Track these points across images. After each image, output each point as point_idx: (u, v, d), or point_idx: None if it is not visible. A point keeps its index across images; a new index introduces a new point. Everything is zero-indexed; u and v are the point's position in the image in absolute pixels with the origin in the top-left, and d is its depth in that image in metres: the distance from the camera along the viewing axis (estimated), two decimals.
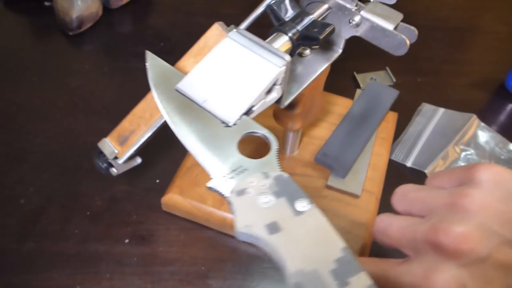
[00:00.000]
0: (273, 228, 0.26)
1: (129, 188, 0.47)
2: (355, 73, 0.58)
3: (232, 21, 0.37)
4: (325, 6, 0.37)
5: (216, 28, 0.36)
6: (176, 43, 0.63)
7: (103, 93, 0.57)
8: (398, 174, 0.49)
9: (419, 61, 0.63)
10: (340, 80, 0.53)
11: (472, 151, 0.52)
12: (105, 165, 0.39)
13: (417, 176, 0.50)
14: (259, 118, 0.32)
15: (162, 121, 0.37)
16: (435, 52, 0.65)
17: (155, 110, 0.37)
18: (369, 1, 0.36)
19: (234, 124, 0.31)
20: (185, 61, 0.37)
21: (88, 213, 0.46)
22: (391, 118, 0.53)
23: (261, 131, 0.31)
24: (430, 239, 0.26)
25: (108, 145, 0.38)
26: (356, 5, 0.36)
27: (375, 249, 0.43)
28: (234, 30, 0.34)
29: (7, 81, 0.57)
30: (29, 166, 0.49)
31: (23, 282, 0.41)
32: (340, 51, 0.40)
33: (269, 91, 0.33)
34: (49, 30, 0.63)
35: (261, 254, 0.43)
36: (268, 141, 0.30)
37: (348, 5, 0.36)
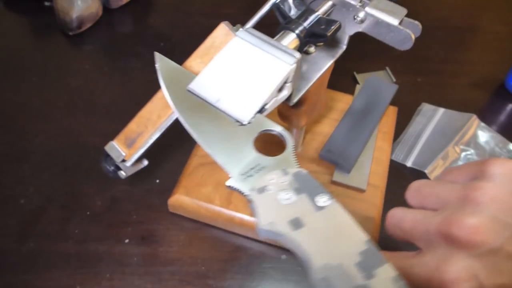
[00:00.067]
0: (296, 224, 0.26)
1: (129, 188, 0.47)
2: (355, 73, 0.58)
3: (232, 21, 0.37)
4: (330, 3, 0.37)
5: (223, 28, 0.36)
6: (176, 43, 0.63)
7: (103, 93, 0.57)
8: (398, 174, 0.49)
9: (419, 61, 0.63)
10: (340, 80, 0.53)
11: (472, 151, 0.52)
12: (112, 168, 0.39)
13: (417, 176, 0.50)
14: None
15: (170, 122, 0.37)
16: (435, 52, 0.65)
17: (162, 111, 0.37)
18: None
19: (249, 123, 0.31)
20: (192, 61, 0.37)
21: (88, 213, 0.46)
22: (391, 113, 0.54)
23: (276, 128, 0.31)
24: (442, 231, 0.27)
25: (115, 148, 0.39)
26: (360, 1, 0.36)
27: (383, 242, 0.43)
28: (243, 29, 0.34)
29: (7, 81, 0.57)
30: (29, 166, 0.49)
31: (23, 282, 0.41)
32: (345, 47, 0.40)
33: (280, 89, 0.33)
34: (49, 30, 0.63)
35: (261, 254, 0.43)
36: (283, 139, 0.31)
37: (352, 2, 0.36)
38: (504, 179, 0.28)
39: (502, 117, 0.57)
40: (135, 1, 0.68)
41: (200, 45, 0.37)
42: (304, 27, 0.35)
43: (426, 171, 0.50)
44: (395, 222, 0.30)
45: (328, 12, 0.37)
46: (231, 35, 0.35)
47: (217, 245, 0.44)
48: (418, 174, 0.50)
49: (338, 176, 0.47)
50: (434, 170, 0.50)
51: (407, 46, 0.37)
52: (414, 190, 0.31)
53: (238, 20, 0.38)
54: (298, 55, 0.32)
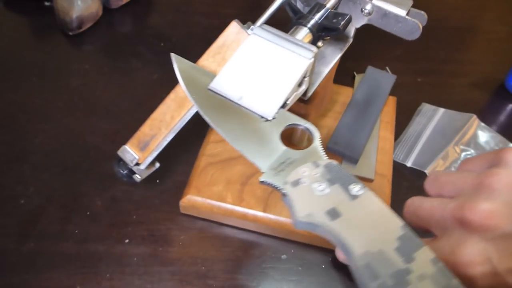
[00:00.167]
0: (334, 214, 0.27)
1: (129, 188, 0.47)
2: (355, 73, 0.58)
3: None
4: None
5: (235, 26, 0.36)
6: (176, 43, 0.63)
7: (103, 93, 0.57)
8: (398, 174, 0.49)
9: (419, 61, 0.63)
10: (340, 80, 0.53)
11: (472, 151, 0.52)
12: (125, 171, 0.40)
13: (417, 176, 0.50)
14: None
15: (184, 122, 0.37)
16: (435, 52, 0.65)
17: (176, 112, 0.37)
18: None
19: (273, 118, 0.32)
20: (204, 60, 0.37)
21: (88, 213, 0.46)
22: (391, 103, 0.54)
23: (302, 122, 0.32)
24: (457, 215, 0.27)
25: (129, 152, 0.39)
26: None
27: None
28: (258, 26, 0.35)
29: (7, 81, 0.57)
30: (29, 166, 0.49)
31: (23, 282, 0.41)
32: (351, 40, 0.40)
33: (300, 84, 0.34)
34: (49, 30, 0.63)
35: (261, 254, 0.43)
36: (309, 132, 0.31)
37: None
38: None
39: (502, 117, 0.57)
40: (135, 1, 0.68)
41: (212, 44, 0.37)
42: (316, 21, 0.36)
43: (426, 171, 0.50)
44: (413, 210, 0.31)
45: (336, 6, 0.38)
46: (243, 33, 0.36)
47: (217, 245, 0.44)
48: (418, 174, 0.50)
49: (346, 167, 0.47)
50: (434, 170, 0.50)
51: (415, 35, 0.37)
52: (432, 180, 0.32)
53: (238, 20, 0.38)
54: (315, 49, 0.33)
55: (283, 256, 0.43)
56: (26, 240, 0.43)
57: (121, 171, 0.40)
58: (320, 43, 0.39)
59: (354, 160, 0.47)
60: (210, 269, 0.42)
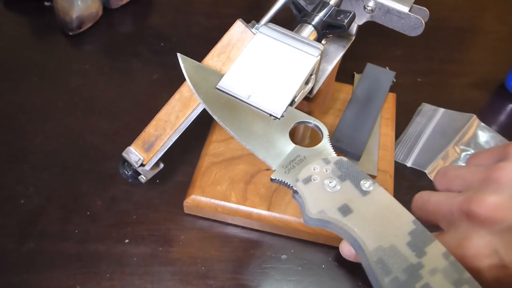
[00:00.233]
0: (346, 210, 0.27)
1: (129, 188, 0.47)
2: (355, 73, 0.58)
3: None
4: None
5: (239, 25, 0.36)
6: (176, 43, 0.63)
7: (103, 93, 0.57)
8: (398, 174, 0.49)
9: (419, 61, 0.63)
10: (340, 80, 0.53)
11: (472, 151, 0.52)
12: (130, 173, 0.40)
13: (417, 176, 0.50)
14: None
15: (189, 122, 0.38)
16: (435, 52, 0.65)
17: (181, 112, 0.37)
18: None
19: (282, 116, 0.32)
20: (209, 60, 0.37)
21: (88, 213, 0.46)
22: (391, 99, 0.55)
23: (311, 120, 0.32)
24: (463, 208, 0.28)
25: (133, 153, 0.39)
26: None
27: None
28: (264, 25, 0.35)
29: (7, 81, 0.57)
30: (29, 166, 0.49)
31: (23, 282, 0.41)
32: (354, 37, 0.41)
33: (306, 81, 0.34)
34: (49, 30, 0.63)
35: (261, 254, 0.43)
36: (317, 129, 0.32)
37: None
38: None
39: (502, 117, 0.57)
40: (135, 1, 0.68)
41: (216, 44, 0.37)
42: (321, 19, 0.36)
43: (426, 171, 0.50)
44: (421, 204, 0.31)
45: (339, 3, 0.38)
46: (247, 32, 0.36)
47: (217, 245, 0.44)
48: (418, 174, 0.50)
49: None
50: (434, 170, 0.50)
51: (418, 31, 0.37)
52: (441, 174, 0.32)
53: None
54: (321, 46, 0.33)
55: (283, 256, 0.43)
56: (26, 240, 0.43)
57: (126, 173, 0.40)
58: (323, 41, 0.39)
59: (356, 157, 0.47)
60: (210, 269, 0.42)
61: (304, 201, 0.28)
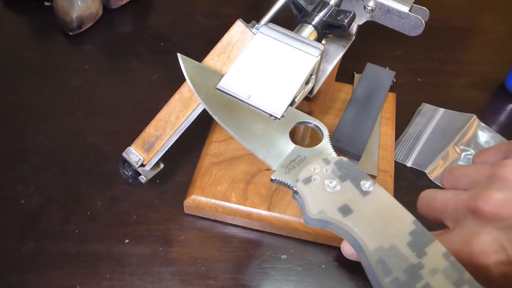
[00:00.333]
0: (346, 210, 0.27)
1: (129, 188, 0.47)
2: (355, 73, 0.58)
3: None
4: None
5: (240, 26, 0.36)
6: (176, 43, 0.63)
7: (103, 93, 0.57)
8: (398, 174, 0.49)
9: (419, 61, 0.63)
10: (340, 80, 0.53)
11: (472, 151, 0.52)
12: (130, 173, 0.40)
13: (417, 176, 0.50)
14: None
15: (189, 123, 0.38)
16: (435, 52, 0.65)
17: (181, 113, 0.37)
18: None
19: (282, 116, 0.32)
20: (209, 60, 0.37)
21: (88, 213, 0.46)
22: (391, 99, 0.55)
23: (311, 120, 0.32)
24: (470, 206, 0.28)
25: (134, 153, 0.39)
26: None
27: None
28: (264, 25, 0.35)
29: (7, 81, 0.57)
30: (29, 166, 0.49)
31: (23, 282, 0.41)
32: (354, 37, 0.41)
33: (307, 81, 0.34)
34: (49, 30, 0.63)
35: (261, 254, 0.43)
36: (318, 129, 0.32)
37: None
38: None
39: (502, 117, 0.57)
40: (135, 1, 0.68)
41: (216, 44, 0.37)
42: (321, 19, 0.36)
43: (426, 171, 0.50)
44: (426, 202, 0.32)
45: (339, 3, 0.38)
46: (248, 32, 0.36)
47: (217, 245, 0.44)
48: (418, 174, 0.50)
49: None
50: (434, 170, 0.50)
51: (418, 31, 0.37)
52: (448, 173, 0.32)
53: None
54: (321, 46, 0.33)
55: (283, 256, 0.43)
56: (26, 240, 0.43)
57: (126, 173, 0.40)
58: (323, 41, 0.39)
59: (356, 157, 0.47)
60: (210, 269, 0.42)
61: (304, 201, 0.28)
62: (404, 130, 0.54)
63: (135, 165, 0.39)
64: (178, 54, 0.36)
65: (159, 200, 0.47)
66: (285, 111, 0.32)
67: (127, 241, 0.44)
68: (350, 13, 0.36)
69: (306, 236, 0.44)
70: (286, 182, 0.29)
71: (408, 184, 0.49)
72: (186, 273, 0.42)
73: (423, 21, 0.36)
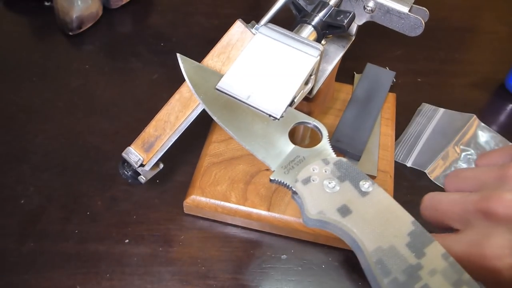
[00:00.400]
0: (345, 211, 0.27)
1: (129, 188, 0.47)
2: (355, 73, 0.58)
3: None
4: None
5: (239, 26, 0.36)
6: (176, 43, 0.63)
7: (103, 93, 0.57)
8: (398, 174, 0.49)
9: (419, 61, 0.63)
10: (340, 80, 0.53)
11: (472, 151, 0.52)
12: (130, 173, 0.40)
13: (417, 176, 0.50)
14: None
15: (189, 123, 0.38)
16: (435, 52, 0.65)
17: (181, 113, 0.37)
18: None
19: (281, 117, 0.32)
20: (209, 60, 0.37)
21: (88, 213, 0.46)
22: (391, 99, 0.55)
23: (310, 120, 0.32)
24: (481, 207, 0.27)
25: (133, 153, 0.39)
26: None
27: None
28: (264, 25, 0.35)
29: (7, 81, 0.57)
30: (29, 166, 0.49)
31: (23, 282, 0.41)
32: (353, 37, 0.41)
33: (306, 82, 0.34)
34: (49, 30, 0.63)
35: (261, 254, 0.43)
36: (317, 130, 0.32)
37: None
38: None
39: (502, 117, 0.57)
40: (135, 1, 0.68)
41: (216, 44, 0.37)
42: (320, 19, 0.36)
43: (426, 171, 0.50)
44: (431, 205, 0.31)
45: (339, 3, 0.38)
46: (247, 32, 0.36)
47: (217, 245, 0.44)
48: (418, 174, 0.50)
49: None
50: (434, 170, 0.50)
51: (418, 31, 0.37)
52: (453, 176, 0.32)
53: None
54: (321, 47, 0.33)
55: (283, 256, 0.43)
56: (26, 240, 0.43)
57: (126, 173, 0.40)
58: (323, 41, 0.39)
59: (356, 157, 0.47)
60: (210, 269, 0.42)
61: (303, 201, 0.28)
62: (404, 130, 0.54)
63: (135, 165, 0.39)
64: (178, 54, 0.36)
65: (159, 200, 0.47)
66: (284, 111, 0.32)
67: (127, 241, 0.44)
68: (350, 13, 0.36)
69: (306, 236, 0.44)
70: (285, 183, 0.29)
71: (408, 184, 0.49)
72: (186, 273, 0.42)
73: (423, 22, 0.36)
